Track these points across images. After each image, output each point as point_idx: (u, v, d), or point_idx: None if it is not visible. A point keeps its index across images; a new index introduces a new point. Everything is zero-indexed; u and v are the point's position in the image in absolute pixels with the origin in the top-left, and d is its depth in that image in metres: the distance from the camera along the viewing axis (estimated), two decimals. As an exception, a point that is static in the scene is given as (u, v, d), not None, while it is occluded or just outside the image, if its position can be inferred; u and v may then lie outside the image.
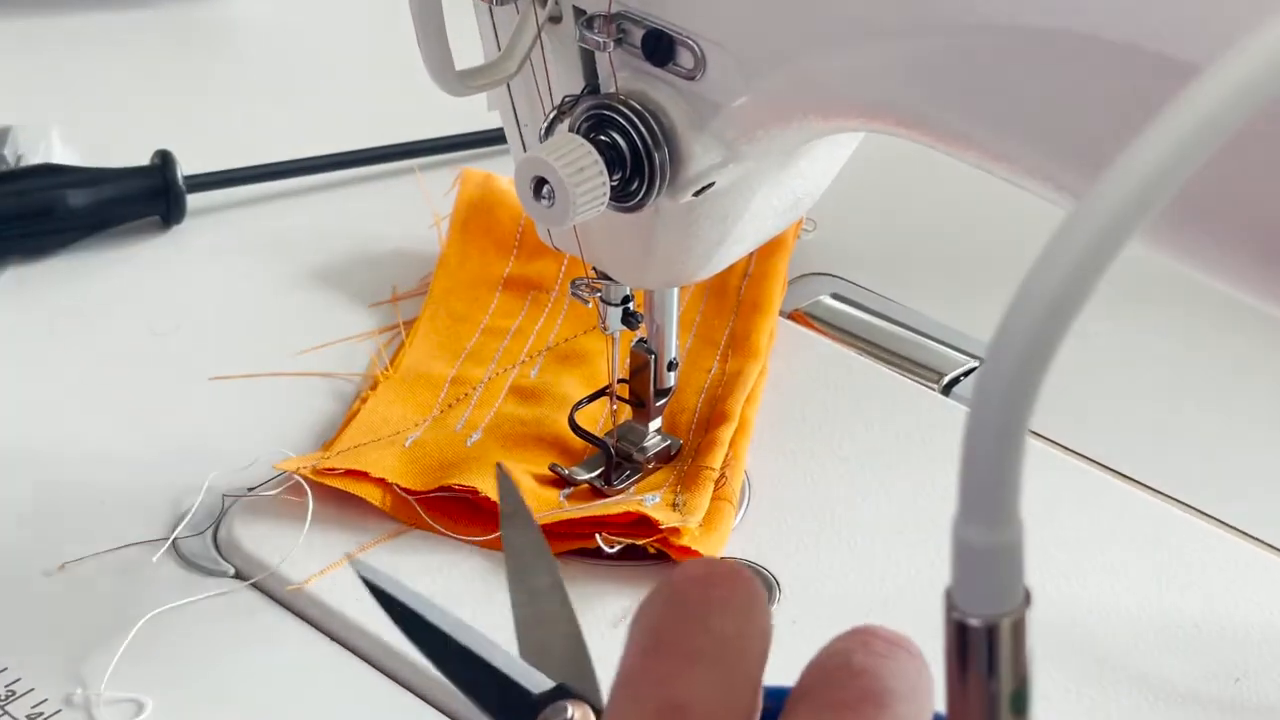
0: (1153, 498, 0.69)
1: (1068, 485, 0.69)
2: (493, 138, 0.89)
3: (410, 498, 0.66)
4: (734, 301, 0.77)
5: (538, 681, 0.42)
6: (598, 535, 0.63)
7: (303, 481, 0.65)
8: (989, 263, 0.83)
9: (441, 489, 0.66)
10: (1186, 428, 0.74)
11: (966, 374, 0.75)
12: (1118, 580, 0.65)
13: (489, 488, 0.65)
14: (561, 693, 0.42)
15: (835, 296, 0.80)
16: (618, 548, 0.63)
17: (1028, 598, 0.36)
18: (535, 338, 0.76)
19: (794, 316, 0.79)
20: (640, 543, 0.64)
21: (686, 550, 0.63)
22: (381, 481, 0.66)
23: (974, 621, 0.35)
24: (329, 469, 0.66)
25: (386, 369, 0.73)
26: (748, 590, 0.38)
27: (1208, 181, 0.33)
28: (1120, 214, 0.32)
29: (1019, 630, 0.36)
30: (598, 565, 0.64)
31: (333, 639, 0.62)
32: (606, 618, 0.62)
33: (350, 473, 0.66)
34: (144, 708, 0.59)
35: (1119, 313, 0.76)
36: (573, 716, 0.41)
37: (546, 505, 0.66)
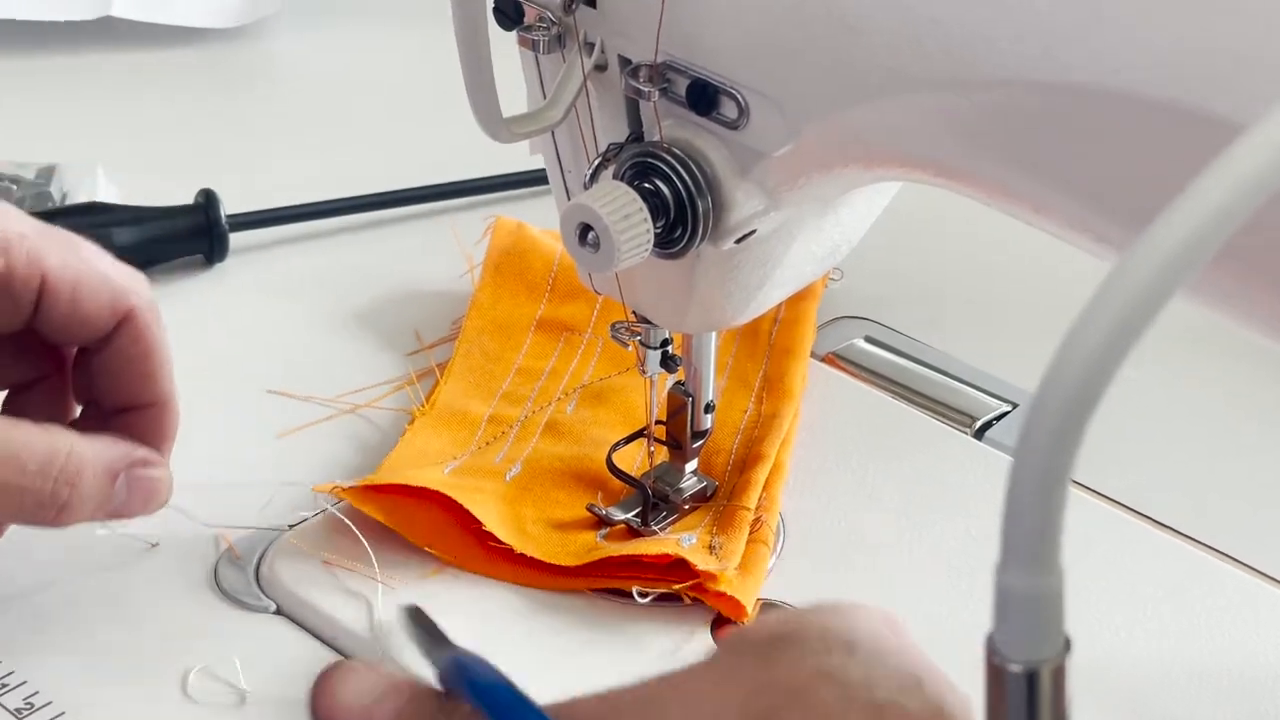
0: (1187, 544, 0.69)
1: (1102, 530, 0.69)
2: (530, 179, 0.90)
3: (444, 529, 0.67)
4: (766, 345, 0.77)
5: None
6: (634, 590, 0.65)
7: (344, 519, 0.66)
8: (1022, 307, 0.84)
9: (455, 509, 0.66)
10: (1221, 475, 0.74)
11: (999, 418, 0.76)
12: (1151, 625, 0.65)
13: (502, 527, 0.66)
14: None
15: (869, 340, 0.81)
16: (651, 597, 0.64)
17: (1068, 645, 0.36)
18: (570, 377, 0.76)
19: (827, 359, 0.79)
20: (676, 588, 0.64)
21: (723, 596, 0.64)
22: (419, 500, 0.67)
23: (1015, 667, 0.36)
24: (368, 487, 0.67)
25: (423, 405, 0.74)
26: None
27: (1244, 229, 0.34)
28: (1164, 271, 0.33)
29: (1059, 677, 0.36)
30: (633, 605, 0.65)
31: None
32: (643, 658, 0.62)
33: (388, 490, 0.67)
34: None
35: (1156, 359, 0.76)
36: None
37: (583, 547, 0.67)
